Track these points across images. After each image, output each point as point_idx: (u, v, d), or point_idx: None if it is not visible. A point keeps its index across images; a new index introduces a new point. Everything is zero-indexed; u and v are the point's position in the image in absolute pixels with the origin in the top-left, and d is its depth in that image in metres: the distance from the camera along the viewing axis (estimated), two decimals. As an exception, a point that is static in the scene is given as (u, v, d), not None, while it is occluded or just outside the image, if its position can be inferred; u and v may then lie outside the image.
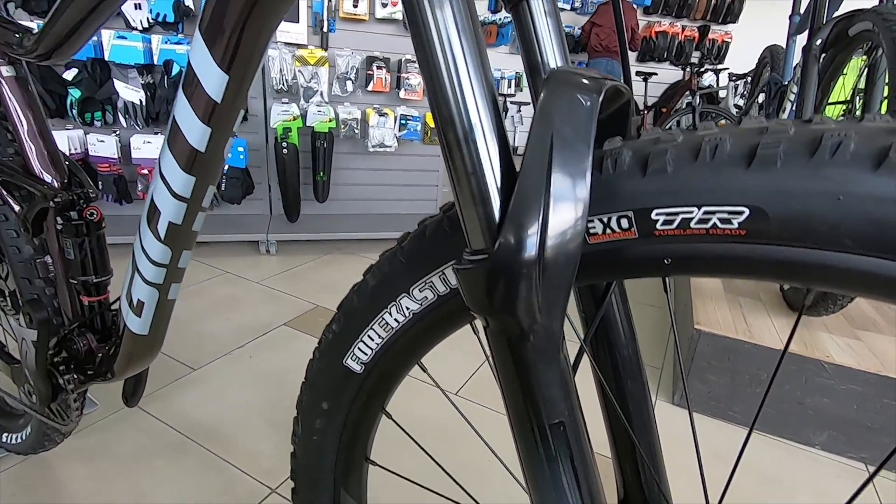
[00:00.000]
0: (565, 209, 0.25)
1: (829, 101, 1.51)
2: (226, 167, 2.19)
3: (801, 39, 1.51)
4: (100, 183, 2.03)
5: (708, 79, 4.26)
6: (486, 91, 0.27)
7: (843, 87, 1.50)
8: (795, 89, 1.59)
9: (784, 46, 2.08)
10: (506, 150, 0.26)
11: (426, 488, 0.50)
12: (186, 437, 1.14)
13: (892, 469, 1.21)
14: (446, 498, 0.46)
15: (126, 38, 1.87)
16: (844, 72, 1.44)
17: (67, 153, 1.55)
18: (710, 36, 4.58)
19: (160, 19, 1.93)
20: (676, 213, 0.26)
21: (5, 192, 0.67)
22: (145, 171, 2.08)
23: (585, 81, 0.26)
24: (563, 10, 4.13)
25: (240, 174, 2.20)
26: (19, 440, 0.96)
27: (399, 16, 2.24)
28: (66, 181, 0.67)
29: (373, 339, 0.41)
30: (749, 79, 3.67)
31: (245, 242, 2.29)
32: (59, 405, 0.71)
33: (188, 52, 0.51)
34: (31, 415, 0.90)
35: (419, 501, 0.96)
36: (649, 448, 0.39)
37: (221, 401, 1.27)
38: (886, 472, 1.21)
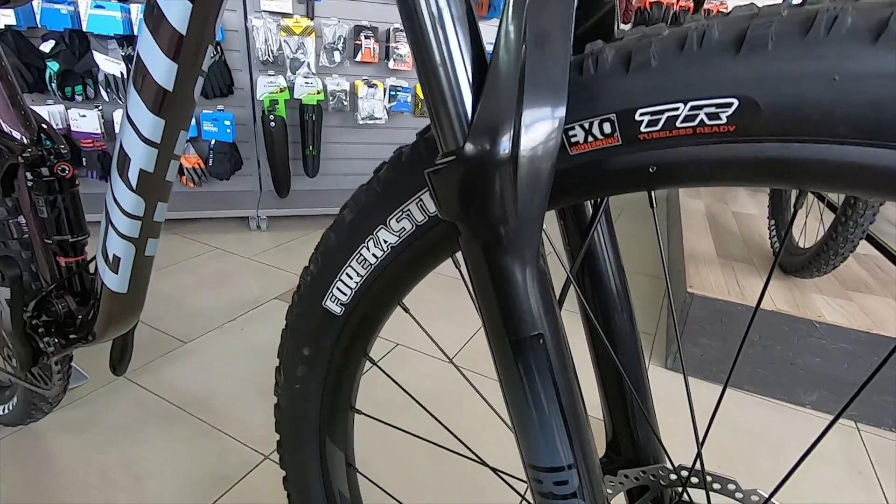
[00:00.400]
0: (541, 102, 0.23)
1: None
2: (212, 142, 2.15)
3: None
4: (83, 159, 1.98)
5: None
6: None
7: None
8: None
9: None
10: (478, 42, 0.24)
11: (416, 436, 0.49)
12: (178, 407, 1.14)
13: (882, 426, 1.23)
14: (436, 444, 0.46)
15: (104, 8, 1.81)
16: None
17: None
18: (706, 6, 4.50)
19: (138, -13, 1.87)
20: (661, 112, 0.24)
21: (-27, 151, 0.64)
22: (130, 147, 2.03)
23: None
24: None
25: (227, 149, 2.16)
26: (6, 411, 0.95)
27: (386, -17, 2.17)
28: (35, 138, 0.65)
29: (351, 278, 0.39)
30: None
31: (235, 219, 2.26)
32: (41, 369, 0.69)
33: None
34: (16, 384, 0.89)
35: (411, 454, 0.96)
36: (638, 383, 0.39)
37: (213, 372, 1.26)
38: (877, 429, 1.22)
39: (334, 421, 0.49)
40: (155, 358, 1.30)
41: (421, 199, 0.33)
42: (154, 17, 0.42)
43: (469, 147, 0.23)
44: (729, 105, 0.23)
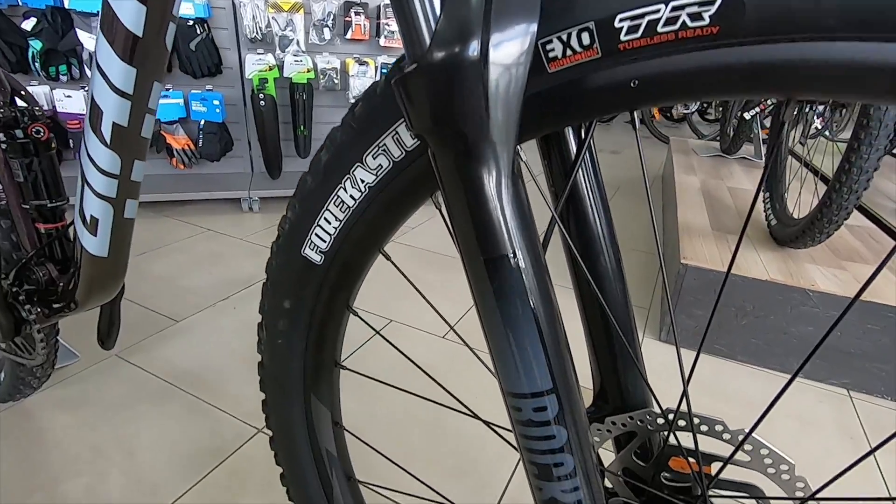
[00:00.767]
0: (513, 3, 0.22)
1: None
2: (202, 122, 2.12)
3: None
4: (70, 141, 1.95)
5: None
6: None
7: None
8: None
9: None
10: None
11: (406, 391, 0.48)
12: (171, 384, 1.13)
13: (874, 393, 1.23)
14: (427, 399, 0.45)
15: (86, -16, 1.77)
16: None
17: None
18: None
19: (121, -37, 1.82)
20: (642, 16, 0.23)
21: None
22: (118, 128, 2.00)
23: None
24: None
25: (217, 129, 2.13)
26: (-5, 387, 0.94)
27: (376, -43, 2.13)
28: (8, 100, 0.63)
29: (330, 223, 0.38)
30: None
31: (227, 200, 2.24)
32: (24, 339, 0.68)
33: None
34: (2, 359, 0.88)
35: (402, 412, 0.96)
36: (624, 325, 0.38)
37: (205, 349, 1.26)
38: (870, 396, 1.23)
39: (319, 377, 0.48)
40: (147, 336, 1.29)
41: (397, 132, 0.32)
42: (119, -45, 0.40)
43: (435, 51, 0.22)
44: (712, 2, 0.22)
